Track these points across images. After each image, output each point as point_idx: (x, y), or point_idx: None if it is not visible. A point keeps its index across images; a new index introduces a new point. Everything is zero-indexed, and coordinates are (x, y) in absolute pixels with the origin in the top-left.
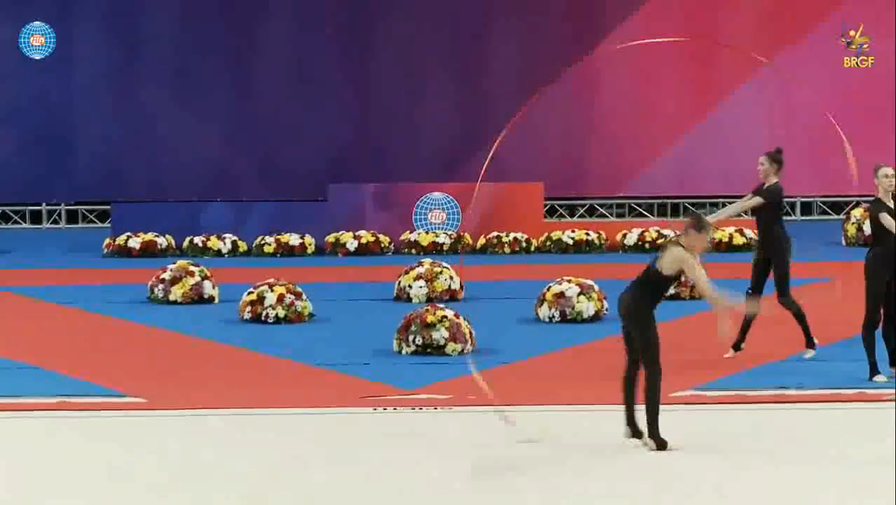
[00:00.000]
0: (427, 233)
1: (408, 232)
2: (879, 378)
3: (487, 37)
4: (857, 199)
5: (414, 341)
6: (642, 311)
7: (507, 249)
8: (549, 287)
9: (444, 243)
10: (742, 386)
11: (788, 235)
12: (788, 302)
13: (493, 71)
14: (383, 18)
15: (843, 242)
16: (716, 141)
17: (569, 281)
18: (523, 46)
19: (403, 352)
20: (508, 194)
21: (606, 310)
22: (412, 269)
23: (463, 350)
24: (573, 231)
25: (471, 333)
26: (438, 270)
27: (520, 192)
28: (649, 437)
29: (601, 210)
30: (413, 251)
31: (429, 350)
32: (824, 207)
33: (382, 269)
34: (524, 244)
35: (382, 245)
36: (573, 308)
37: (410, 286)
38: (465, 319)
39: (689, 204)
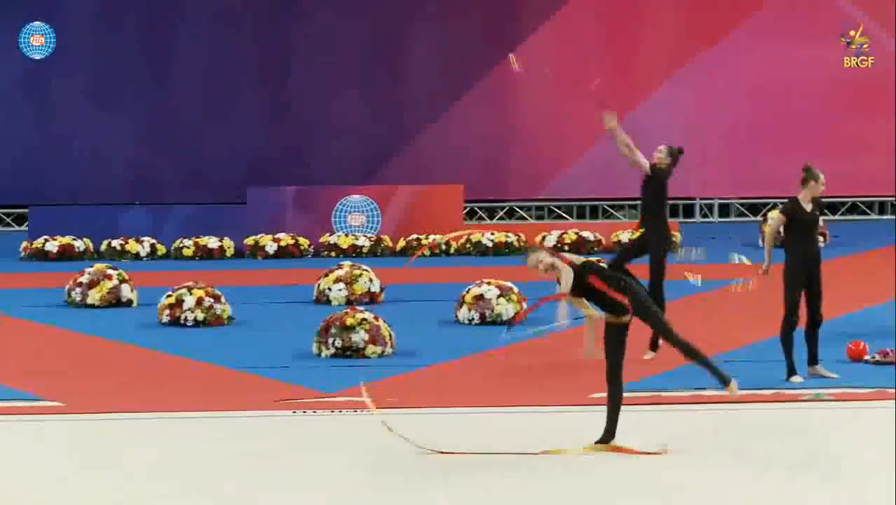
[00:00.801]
0: (346, 235)
1: (327, 235)
2: (796, 379)
3: (406, 39)
4: (775, 200)
5: (333, 344)
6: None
7: (426, 252)
8: (469, 289)
9: (363, 246)
10: (660, 387)
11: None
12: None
13: (412, 73)
14: (301, 21)
15: (760, 244)
16: (634, 141)
17: (488, 283)
18: (442, 49)
19: (323, 354)
20: (428, 197)
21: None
22: (332, 271)
23: (382, 353)
24: (493, 233)
25: (390, 335)
26: (358, 272)
27: (439, 195)
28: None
29: (521, 212)
30: (332, 254)
31: (348, 353)
32: (741, 209)
33: (302, 271)
34: (444, 246)
35: (302, 248)
36: (493, 310)
37: (330, 289)
38: (384, 321)
39: (608, 206)
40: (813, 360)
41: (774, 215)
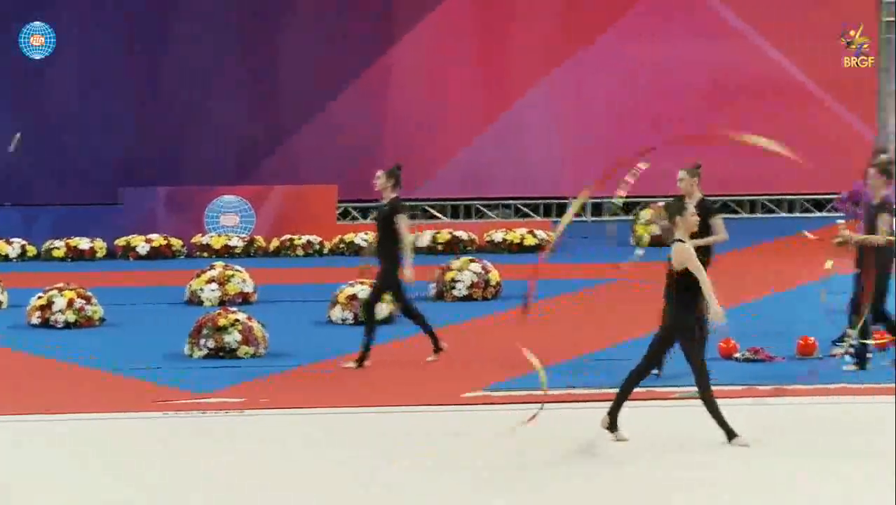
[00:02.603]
0: (219, 236)
1: (200, 235)
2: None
3: (279, 39)
4: (648, 199)
5: (206, 345)
6: (682, 320)
7: (300, 252)
8: (342, 289)
9: (236, 246)
10: (530, 386)
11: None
12: (408, 308)
13: (286, 73)
14: (175, 17)
15: (632, 242)
16: (508, 141)
17: (362, 283)
18: (316, 49)
19: (195, 355)
20: (302, 196)
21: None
22: (204, 272)
23: (255, 353)
24: (366, 233)
25: (264, 335)
26: (231, 273)
27: (313, 195)
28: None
29: None
30: (205, 254)
31: (221, 353)
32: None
33: (174, 272)
34: (317, 246)
35: (174, 248)
36: None
37: (202, 289)
38: (257, 321)
39: (481, 206)
40: None
41: (648, 215)
